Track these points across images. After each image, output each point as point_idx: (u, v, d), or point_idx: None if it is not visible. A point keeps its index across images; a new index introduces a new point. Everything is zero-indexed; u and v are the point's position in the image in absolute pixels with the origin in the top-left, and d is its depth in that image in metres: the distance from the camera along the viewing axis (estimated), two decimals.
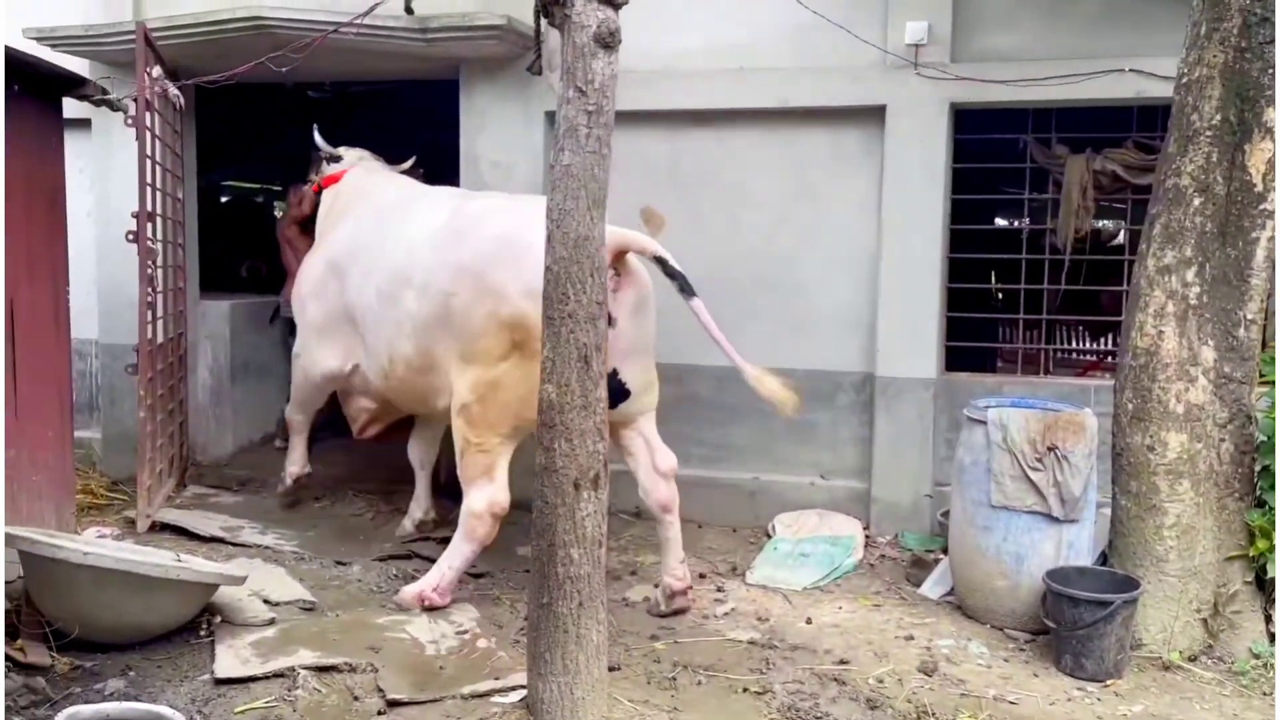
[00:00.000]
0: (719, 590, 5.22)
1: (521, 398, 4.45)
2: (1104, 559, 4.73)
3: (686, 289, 4.66)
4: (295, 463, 6.24)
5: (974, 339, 6.55)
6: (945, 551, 5.27)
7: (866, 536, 5.92)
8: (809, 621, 4.82)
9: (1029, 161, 6.15)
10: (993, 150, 6.19)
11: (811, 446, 6.21)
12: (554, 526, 3.60)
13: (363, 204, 5.78)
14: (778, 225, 6.20)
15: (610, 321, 4.01)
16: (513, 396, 4.58)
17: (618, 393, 4.63)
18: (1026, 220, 6.71)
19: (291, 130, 12.51)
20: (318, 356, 5.70)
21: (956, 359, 6.24)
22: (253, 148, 12.85)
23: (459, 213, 5.00)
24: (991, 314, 7.77)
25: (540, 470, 3.67)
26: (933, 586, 5.21)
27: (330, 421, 6.84)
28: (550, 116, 6.22)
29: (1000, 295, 8.63)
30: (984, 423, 4.72)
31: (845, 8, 5.81)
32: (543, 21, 4.03)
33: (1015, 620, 4.70)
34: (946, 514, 5.29)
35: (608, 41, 3.50)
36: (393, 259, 5.11)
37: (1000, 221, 10.04)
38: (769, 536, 5.96)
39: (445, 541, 5.10)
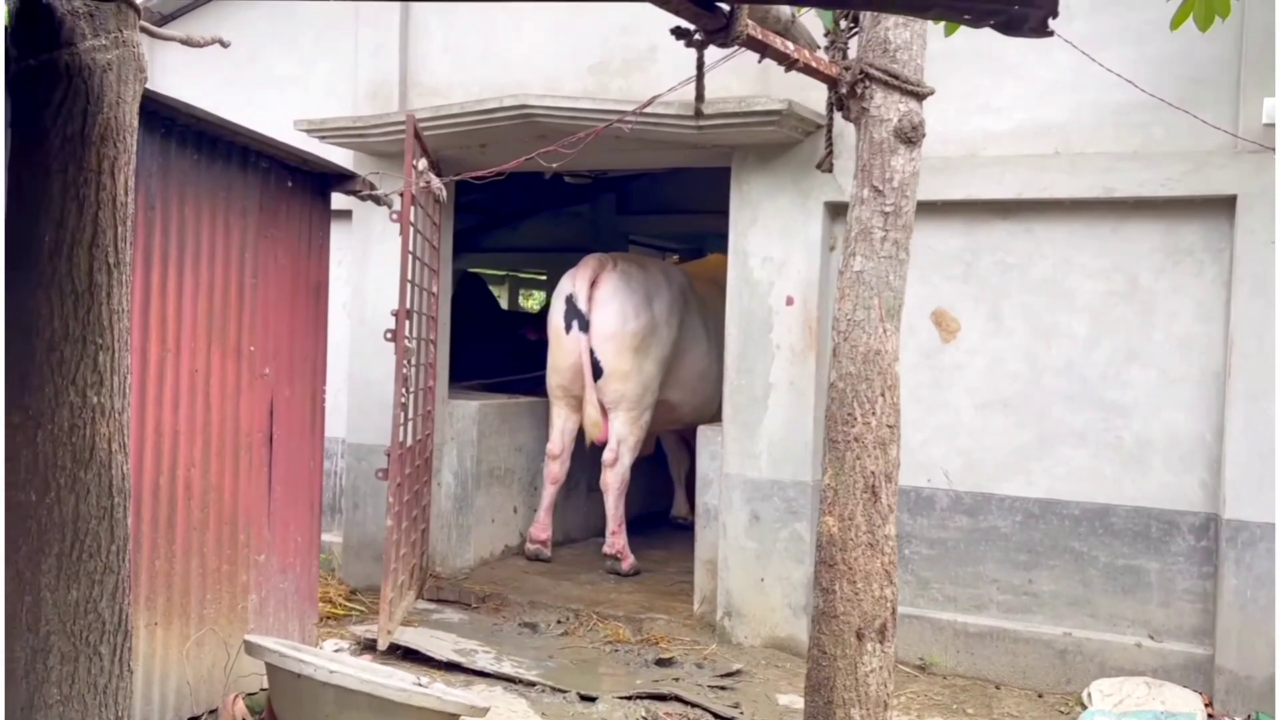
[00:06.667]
0: None
1: None
2: None
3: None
4: None
5: None
6: None
7: (1209, 714, 5.49)
8: None
9: None
10: None
11: (1138, 599, 5.86)
12: (832, 681, 3.58)
13: None
14: (1097, 333, 5.98)
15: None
16: None
17: (596, 370, 7.62)
18: None
19: (545, 215, 13.35)
20: None
21: None
22: (496, 233, 13.72)
23: None
24: None
25: (817, 614, 3.67)
26: None
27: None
28: (830, 208, 6.32)
29: None
30: None
31: (1184, 84, 5.63)
32: (835, 114, 4.13)
33: None
34: None
35: (910, 136, 3.56)
36: None
37: None
38: (1084, 706, 5.64)
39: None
